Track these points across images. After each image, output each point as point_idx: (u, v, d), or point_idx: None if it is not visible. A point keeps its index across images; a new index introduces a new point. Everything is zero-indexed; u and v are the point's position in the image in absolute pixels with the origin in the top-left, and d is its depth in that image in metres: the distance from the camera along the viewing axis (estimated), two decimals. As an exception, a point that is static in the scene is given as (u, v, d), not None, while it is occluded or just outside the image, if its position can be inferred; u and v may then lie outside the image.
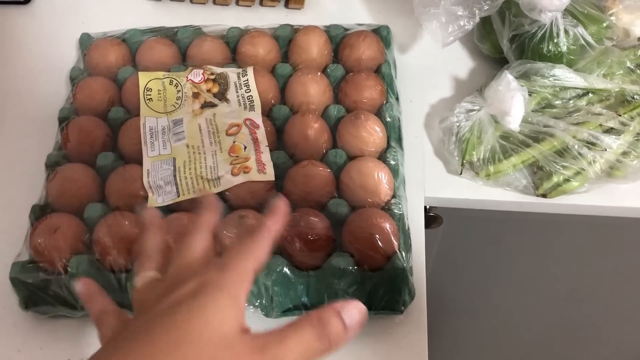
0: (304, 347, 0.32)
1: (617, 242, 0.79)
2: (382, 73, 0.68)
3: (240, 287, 0.34)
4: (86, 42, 0.73)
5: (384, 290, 0.55)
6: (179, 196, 0.58)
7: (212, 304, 0.33)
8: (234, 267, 0.35)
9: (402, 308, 0.56)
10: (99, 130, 0.64)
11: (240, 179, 0.58)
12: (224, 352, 0.32)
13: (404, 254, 0.55)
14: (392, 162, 0.61)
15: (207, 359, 0.31)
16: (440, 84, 0.75)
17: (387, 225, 0.56)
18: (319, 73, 0.67)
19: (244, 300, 0.34)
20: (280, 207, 0.40)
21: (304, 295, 0.56)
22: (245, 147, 0.60)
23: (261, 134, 0.62)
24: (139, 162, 0.61)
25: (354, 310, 0.34)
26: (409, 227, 0.60)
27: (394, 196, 0.60)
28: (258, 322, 0.56)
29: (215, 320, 0.32)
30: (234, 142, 0.61)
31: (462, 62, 0.77)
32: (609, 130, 0.64)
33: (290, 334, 0.33)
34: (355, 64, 0.69)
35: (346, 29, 0.72)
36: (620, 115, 0.64)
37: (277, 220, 0.39)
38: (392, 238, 0.55)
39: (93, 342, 0.55)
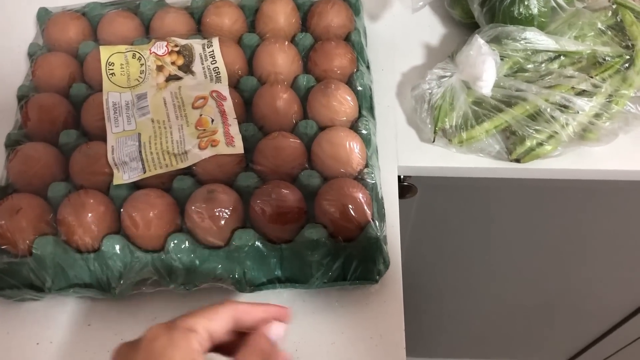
0: None
1: (592, 205, 0.79)
2: (352, 41, 0.67)
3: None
4: (44, 17, 0.70)
5: (358, 260, 0.54)
6: (145, 172, 0.56)
7: None
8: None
9: (377, 277, 0.55)
10: (60, 108, 0.61)
11: (208, 152, 0.56)
12: None
13: (377, 223, 0.55)
14: (364, 132, 0.60)
15: None
16: (412, 52, 0.74)
17: (360, 195, 0.55)
18: (287, 42, 0.65)
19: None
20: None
21: (277, 268, 0.55)
22: (212, 120, 0.59)
23: (228, 106, 0.60)
24: (103, 139, 0.59)
25: (279, 328, 0.41)
26: (382, 197, 0.59)
27: (366, 166, 0.59)
28: (232, 297, 0.55)
29: None
30: (201, 115, 0.59)
31: (433, 29, 0.76)
32: (581, 93, 0.63)
33: None
34: (324, 32, 0.67)
35: (314, -3, 0.70)
36: (592, 78, 0.63)
37: None
38: (365, 208, 0.54)
39: (61, 325, 0.54)
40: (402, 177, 0.68)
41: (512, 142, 0.63)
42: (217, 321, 0.39)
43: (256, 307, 0.41)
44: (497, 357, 1.34)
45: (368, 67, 0.68)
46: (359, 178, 0.58)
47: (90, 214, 0.54)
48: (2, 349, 0.54)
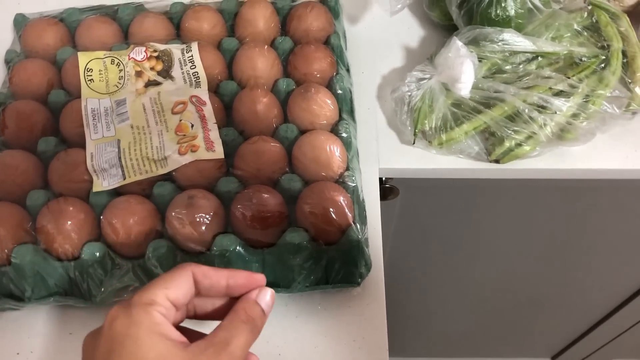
0: (245, 343, 0.37)
1: (572, 203, 0.80)
2: (332, 44, 0.67)
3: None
4: (21, 23, 0.70)
5: (340, 264, 0.55)
6: (125, 179, 0.56)
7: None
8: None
9: (359, 280, 0.55)
10: (38, 115, 0.61)
11: (188, 158, 0.56)
12: None
13: (358, 226, 0.55)
14: (344, 135, 0.60)
15: None
16: (391, 54, 0.74)
17: (341, 198, 0.55)
18: (266, 46, 0.65)
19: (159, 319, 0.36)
20: None
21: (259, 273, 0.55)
22: (192, 125, 0.59)
23: (208, 111, 0.60)
24: (82, 146, 0.59)
25: (267, 297, 0.40)
26: (363, 199, 0.59)
27: (347, 169, 0.59)
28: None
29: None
30: (180, 120, 0.59)
31: (412, 31, 0.76)
32: (559, 93, 0.64)
33: (232, 338, 0.37)
34: (304, 36, 0.67)
35: (293, 0, 0.70)
36: (569, 78, 0.64)
37: None
38: (347, 211, 0.55)
39: (42, 334, 0.54)
40: (384, 179, 0.69)
41: (491, 143, 0.64)
42: (176, 288, 0.37)
43: (219, 270, 0.39)
44: (482, 355, 1.35)
45: (348, 70, 0.68)
46: (340, 181, 0.58)
47: (69, 222, 0.53)
48: (-19, 359, 0.53)
